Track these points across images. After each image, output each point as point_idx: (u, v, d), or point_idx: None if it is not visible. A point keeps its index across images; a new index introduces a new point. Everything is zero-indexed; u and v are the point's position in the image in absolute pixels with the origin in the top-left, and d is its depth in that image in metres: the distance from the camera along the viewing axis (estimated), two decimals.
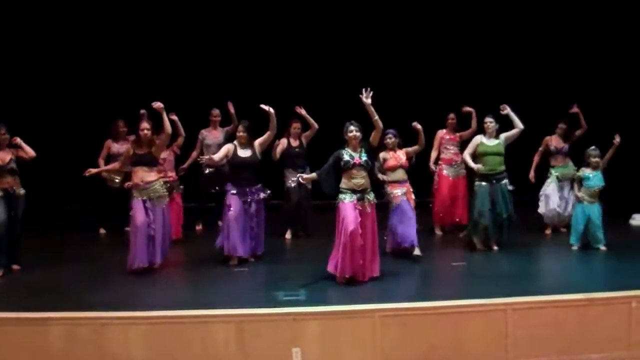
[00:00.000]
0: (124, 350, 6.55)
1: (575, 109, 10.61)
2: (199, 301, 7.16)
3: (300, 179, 8.44)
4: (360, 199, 7.84)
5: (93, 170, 8.82)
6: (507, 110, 9.36)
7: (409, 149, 9.33)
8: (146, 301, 7.28)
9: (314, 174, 8.11)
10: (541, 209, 10.78)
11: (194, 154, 10.84)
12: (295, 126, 10.35)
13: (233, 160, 8.88)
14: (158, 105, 8.31)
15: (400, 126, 9.39)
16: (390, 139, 9.20)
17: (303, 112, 10.05)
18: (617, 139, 9.52)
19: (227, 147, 8.96)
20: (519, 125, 9.40)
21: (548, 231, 10.80)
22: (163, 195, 8.60)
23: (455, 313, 6.86)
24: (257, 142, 8.97)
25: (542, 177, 10.85)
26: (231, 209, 8.76)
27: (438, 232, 10.87)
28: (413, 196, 9.22)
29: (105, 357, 6.55)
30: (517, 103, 9.50)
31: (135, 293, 7.69)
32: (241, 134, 8.93)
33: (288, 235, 10.48)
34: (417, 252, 9.00)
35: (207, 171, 10.95)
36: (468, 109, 10.71)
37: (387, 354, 6.69)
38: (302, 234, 10.55)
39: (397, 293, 7.64)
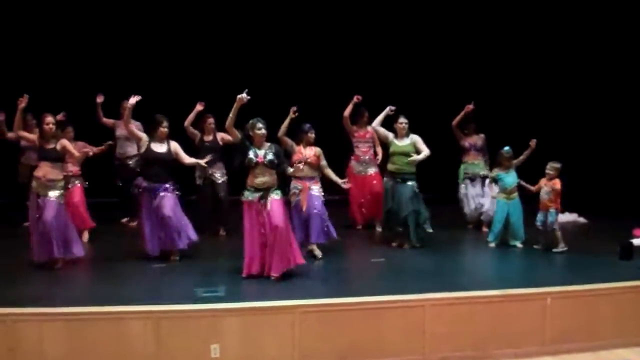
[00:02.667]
0: (37, 347, 6.38)
1: (532, 143, 10.31)
2: (116, 297, 7.00)
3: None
4: (262, 197, 7.83)
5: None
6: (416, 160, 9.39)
7: (327, 168, 9.16)
8: (61, 297, 7.08)
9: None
10: (464, 209, 11.01)
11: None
12: (210, 121, 10.25)
13: (146, 154, 8.66)
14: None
15: None
16: (309, 134, 9.13)
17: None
18: (533, 143, 9.62)
19: (144, 136, 8.74)
20: (427, 154, 9.39)
21: (470, 226, 11.05)
22: (60, 192, 8.29)
23: (374, 309, 6.92)
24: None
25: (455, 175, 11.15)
26: (142, 207, 8.67)
27: (358, 227, 10.95)
28: (315, 193, 8.98)
29: (17, 355, 6.36)
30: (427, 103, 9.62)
31: (49, 289, 7.47)
32: (164, 129, 8.67)
33: (206, 232, 10.34)
34: (315, 251, 8.98)
35: (116, 163, 11.01)
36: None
37: (306, 350, 6.71)
38: (222, 231, 10.42)
39: (317, 289, 7.61)
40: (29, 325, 6.44)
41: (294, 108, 9.21)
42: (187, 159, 8.83)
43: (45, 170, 8.20)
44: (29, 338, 6.40)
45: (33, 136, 8.50)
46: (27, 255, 8.27)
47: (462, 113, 10.83)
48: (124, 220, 11.17)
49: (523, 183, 9.52)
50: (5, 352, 6.36)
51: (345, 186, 9.13)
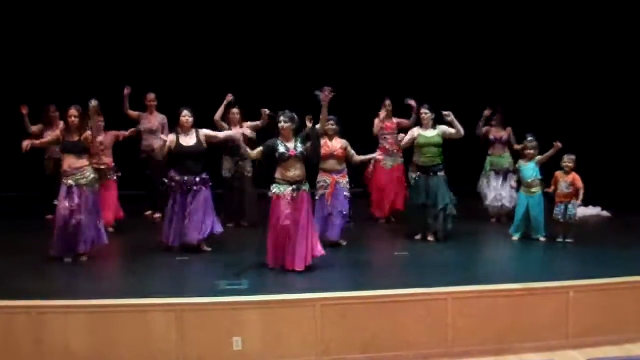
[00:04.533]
0: (62, 339, 6.44)
1: (558, 145, 10.06)
2: (139, 290, 7.08)
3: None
4: (296, 190, 7.83)
5: (34, 143, 8.31)
6: (450, 117, 9.24)
7: (355, 155, 9.26)
8: (86, 290, 7.16)
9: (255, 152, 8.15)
10: (485, 202, 10.96)
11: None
12: (234, 112, 10.28)
13: (177, 150, 8.64)
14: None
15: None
16: (331, 126, 9.14)
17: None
18: (558, 145, 9.36)
19: (169, 139, 8.74)
20: (461, 131, 9.32)
21: (493, 220, 10.98)
22: (92, 181, 8.32)
23: (396, 302, 6.90)
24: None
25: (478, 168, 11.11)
26: (170, 199, 8.71)
27: (381, 221, 10.91)
28: (342, 185, 9.05)
29: (43, 347, 6.42)
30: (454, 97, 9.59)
31: (74, 281, 7.56)
32: (184, 118, 8.67)
33: (230, 225, 10.38)
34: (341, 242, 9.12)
35: (143, 156, 11.05)
36: (411, 102, 10.63)
37: (328, 343, 6.70)
38: (245, 224, 10.45)
39: (339, 282, 7.61)
40: (54, 317, 6.49)
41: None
42: (221, 134, 9.08)
43: (70, 162, 8.23)
44: (54, 330, 6.45)
45: (55, 133, 8.55)
46: (48, 248, 8.31)
47: (483, 118, 10.85)
48: (148, 213, 11.22)
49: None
50: (30, 343, 6.42)
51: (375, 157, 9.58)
